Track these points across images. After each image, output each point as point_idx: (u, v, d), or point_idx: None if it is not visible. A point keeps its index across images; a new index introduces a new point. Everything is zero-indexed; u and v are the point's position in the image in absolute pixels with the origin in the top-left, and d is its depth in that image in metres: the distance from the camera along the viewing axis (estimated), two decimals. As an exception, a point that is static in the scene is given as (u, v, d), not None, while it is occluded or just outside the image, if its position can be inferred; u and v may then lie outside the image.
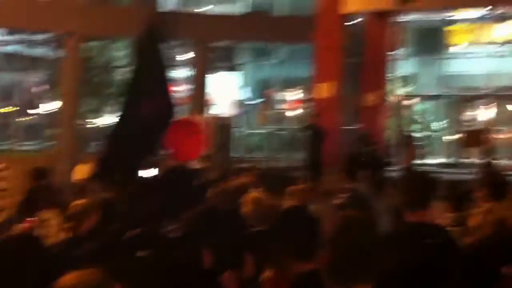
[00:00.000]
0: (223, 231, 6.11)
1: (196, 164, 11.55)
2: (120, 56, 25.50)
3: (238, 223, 6.29)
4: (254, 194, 6.66)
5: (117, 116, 11.30)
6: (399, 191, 4.51)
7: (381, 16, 20.97)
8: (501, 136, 22.06)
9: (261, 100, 27.05)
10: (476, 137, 18.96)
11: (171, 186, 8.62)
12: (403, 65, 23.32)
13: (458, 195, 7.49)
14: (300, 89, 26.43)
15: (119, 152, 9.97)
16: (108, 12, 22.90)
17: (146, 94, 10.33)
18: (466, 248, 4.89)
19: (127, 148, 9.84)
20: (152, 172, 10.31)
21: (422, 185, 4.44)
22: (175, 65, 26.17)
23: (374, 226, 3.08)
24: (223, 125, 20.43)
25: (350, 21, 21.35)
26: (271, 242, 5.02)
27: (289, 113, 26.44)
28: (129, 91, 11.01)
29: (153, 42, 10.88)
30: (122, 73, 23.26)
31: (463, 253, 4.43)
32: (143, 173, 10.09)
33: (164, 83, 10.88)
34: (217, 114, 24.65)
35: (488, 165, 15.36)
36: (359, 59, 21.74)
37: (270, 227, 6.02)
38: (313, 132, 17.14)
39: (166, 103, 10.62)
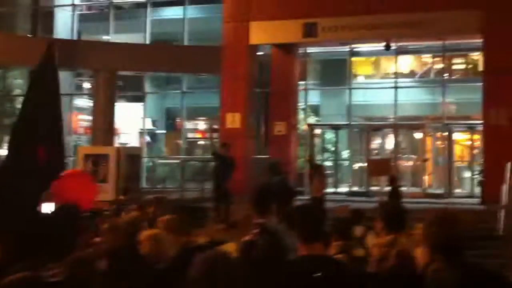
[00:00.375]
0: (118, 272, 5.77)
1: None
2: (20, 84, 24.74)
3: (134, 262, 6.00)
4: (152, 231, 6.44)
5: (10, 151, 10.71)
6: (295, 224, 4.47)
7: (287, 48, 21.36)
8: (406, 164, 22.71)
9: (170, 129, 26.84)
10: (381, 166, 19.40)
11: (58, 225, 8.12)
12: (310, 95, 23.70)
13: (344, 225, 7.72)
14: (209, 118, 26.42)
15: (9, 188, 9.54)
16: (6, 39, 22.27)
17: (39, 139, 9.99)
18: (365, 279, 4.89)
19: (17, 187, 9.42)
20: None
21: (313, 218, 4.42)
22: (80, 94, 25.69)
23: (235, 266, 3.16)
24: (132, 155, 20.04)
25: (257, 52, 21.59)
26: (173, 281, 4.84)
27: (198, 143, 26.33)
28: (22, 130, 10.49)
29: (49, 73, 10.55)
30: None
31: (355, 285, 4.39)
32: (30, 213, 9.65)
33: (57, 128, 10.57)
34: (124, 144, 24.25)
35: (389, 195, 15.69)
36: (268, 89, 22.03)
37: (171, 265, 5.81)
38: (222, 161, 17.06)
39: (57, 152, 10.30)
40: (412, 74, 24.84)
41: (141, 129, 25.45)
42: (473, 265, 4.02)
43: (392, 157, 21.64)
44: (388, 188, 16.45)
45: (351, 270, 4.54)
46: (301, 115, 23.05)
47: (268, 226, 5.87)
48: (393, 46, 20.87)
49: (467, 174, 22.80)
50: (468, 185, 22.16)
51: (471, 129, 22.02)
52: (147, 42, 24.48)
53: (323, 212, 4.66)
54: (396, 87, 22.19)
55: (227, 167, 16.71)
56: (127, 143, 24.88)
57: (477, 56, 23.62)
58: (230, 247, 6.18)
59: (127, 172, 18.94)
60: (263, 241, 5.67)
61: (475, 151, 22.33)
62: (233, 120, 20.61)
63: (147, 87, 25.16)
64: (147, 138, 25.47)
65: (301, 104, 22.93)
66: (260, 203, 6.17)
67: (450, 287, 3.90)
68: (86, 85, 25.12)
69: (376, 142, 23.91)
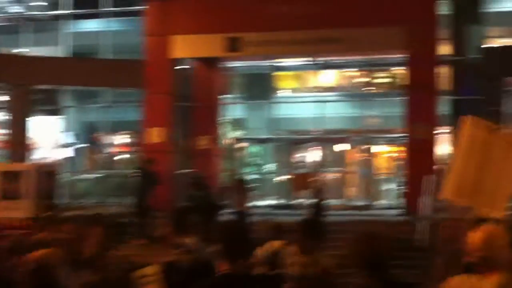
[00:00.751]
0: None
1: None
2: None
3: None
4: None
5: None
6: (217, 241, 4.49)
7: (210, 62, 21.18)
8: (329, 176, 22.88)
9: (88, 144, 26.17)
10: (303, 180, 19.45)
11: None
12: (234, 109, 23.61)
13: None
14: (129, 133, 25.92)
15: None
16: None
17: None
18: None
19: None
20: None
21: (236, 235, 4.46)
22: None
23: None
24: (47, 172, 19.37)
25: (180, 66, 21.30)
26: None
27: (118, 158, 25.75)
28: None
29: None
30: None
31: None
32: None
33: None
34: (40, 160, 23.48)
35: (314, 208, 15.77)
36: (191, 103, 21.79)
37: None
38: (145, 177, 16.77)
39: None
40: (335, 88, 25.06)
41: (60, 144, 24.74)
42: (395, 280, 4.16)
43: (316, 170, 21.73)
44: (312, 201, 16.45)
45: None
46: (225, 129, 22.88)
47: (188, 246, 5.76)
48: (317, 60, 20.99)
49: (389, 186, 23.22)
50: (390, 196, 22.56)
51: (393, 142, 22.44)
52: (67, 55, 23.78)
53: (246, 229, 4.75)
54: (320, 101, 22.30)
55: (150, 183, 16.63)
56: (45, 158, 24.09)
57: (399, 71, 24.07)
58: (150, 270, 5.97)
59: (42, 188, 18.32)
60: (184, 262, 5.58)
61: (397, 164, 22.71)
62: (156, 135, 20.26)
63: (67, 100, 24.46)
64: (67, 153, 24.74)
65: (225, 118, 22.78)
66: (180, 223, 6.08)
67: None
68: (3, 98, 24.16)
69: (300, 155, 24.04)
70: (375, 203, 21.69)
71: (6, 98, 22.89)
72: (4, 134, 23.10)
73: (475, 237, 4.24)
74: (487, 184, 5.99)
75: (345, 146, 22.99)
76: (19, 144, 21.73)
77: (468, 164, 6.08)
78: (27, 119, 22.20)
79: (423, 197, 16.19)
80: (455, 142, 6.37)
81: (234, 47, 19.62)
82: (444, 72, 20.59)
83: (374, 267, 4.27)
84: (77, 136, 25.95)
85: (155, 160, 18.83)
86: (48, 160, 23.73)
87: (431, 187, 16.33)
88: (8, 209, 16.87)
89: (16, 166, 18.97)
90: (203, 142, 21.28)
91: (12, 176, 17.91)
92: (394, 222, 16.41)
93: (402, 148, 21.62)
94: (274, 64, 22.72)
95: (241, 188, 16.28)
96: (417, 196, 16.83)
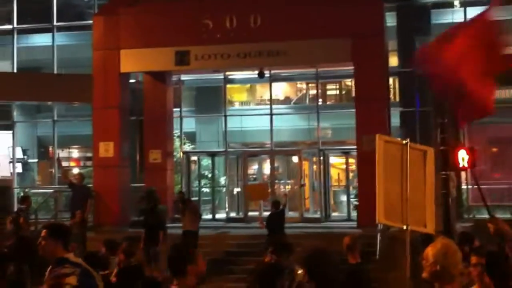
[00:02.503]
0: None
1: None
2: None
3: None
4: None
5: None
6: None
7: (160, 75, 21.08)
8: (283, 189, 22.84)
9: (42, 158, 25.91)
10: (259, 191, 19.33)
11: None
12: (186, 122, 23.49)
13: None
14: (81, 147, 25.75)
15: None
16: None
17: None
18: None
19: None
20: None
21: (178, 255, 4.73)
22: None
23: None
24: (2, 187, 19.15)
25: (129, 79, 21.16)
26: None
27: (73, 171, 25.48)
28: None
29: None
30: None
31: None
32: None
33: None
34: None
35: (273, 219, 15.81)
36: (142, 116, 21.66)
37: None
38: (77, 191, 17.02)
39: None
40: (287, 100, 25.15)
41: (11, 159, 24.37)
42: None
43: (269, 183, 21.68)
44: (269, 213, 16.40)
45: None
46: (176, 143, 22.77)
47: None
48: (267, 73, 20.97)
49: (343, 198, 23.27)
50: (344, 208, 22.60)
51: (346, 153, 22.46)
52: (15, 70, 23.45)
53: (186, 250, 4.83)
54: (271, 114, 22.23)
55: (82, 197, 16.71)
56: (-4, 173, 23.70)
57: (349, 82, 24.21)
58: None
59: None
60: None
61: (350, 175, 22.76)
62: (106, 149, 20.06)
63: (17, 115, 24.13)
64: (18, 168, 24.38)
65: (176, 132, 22.68)
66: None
67: None
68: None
69: (253, 168, 24.03)
70: (329, 215, 21.68)
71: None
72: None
73: (428, 251, 4.30)
74: (413, 201, 6.01)
75: (298, 158, 22.94)
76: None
77: (390, 183, 6.15)
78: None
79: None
80: (377, 163, 6.32)
81: (182, 60, 19.51)
82: (392, 84, 20.73)
83: (324, 283, 4.45)
84: (29, 150, 25.66)
85: (106, 174, 18.95)
86: (2, 175, 23.37)
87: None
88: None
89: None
90: (155, 156, 21.12)
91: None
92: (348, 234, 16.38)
93: (355, 160, 21.76)
94: (225, 77, 22.60)
95: (189, 209, 16.22)
96: (369, 208, 16.79)
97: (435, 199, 6.60)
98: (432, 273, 4.23)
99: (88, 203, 16.75)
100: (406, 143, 6.30)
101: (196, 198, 22.99)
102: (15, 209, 19.96)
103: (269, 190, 19.60)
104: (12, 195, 19.81)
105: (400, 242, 11.77)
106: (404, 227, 5.91)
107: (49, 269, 5.57)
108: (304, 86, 25.23)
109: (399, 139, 6.63)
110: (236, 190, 22.74)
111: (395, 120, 21.10)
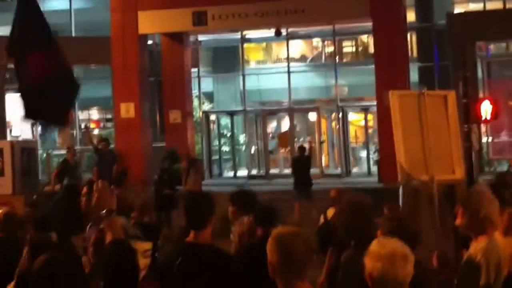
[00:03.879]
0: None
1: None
2: None
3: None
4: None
5: None
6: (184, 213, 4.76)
7: (177, 36, 21.18)
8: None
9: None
10: (286, 139, 19.61)
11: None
12: (204, 82, 23.65)
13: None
14: (101, 109, 25.99)
15: None
16: None
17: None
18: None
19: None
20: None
21: (199, 207, 4.72)
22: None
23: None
24: (28, 148, 19.44)
25: (148, 41, 21.34)
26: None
27: (93, 133, 25.82)
28: None
29: None
30: None
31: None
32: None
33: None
34: (17, 137, 23.46)
35: (299, 162, 16.57)
36: (160, 78, 21.88)
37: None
38: (102, 157, 17.26)
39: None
40: (304, 58, 25.17)
41: (33, 121, 24.68)
42: None
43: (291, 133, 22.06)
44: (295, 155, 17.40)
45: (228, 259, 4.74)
46: (195, 103, 22.96)
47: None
48: (284, 32, 21.03)
49: (363, 154, 23.49)
50: (364, 164, 22.86)
51: (364, 110, 22.60)
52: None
53: (210, 201, 4.89)
54: (289, 72, 22.37)
55: (109, 164, 16.97)
56: (19, 136, 24.07)
57: (365, 39, 24.21)
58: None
59: (24, 166, 18.43)
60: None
61: (370, 131, 22.93)
62: (127, 110, 20.34)
63: (37, 79, 24.33)
64: (38, 130, 24.73)
65: (194, 92, 22.85)
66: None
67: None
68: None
69: (271, 126, 24.19)
70: (349, 171, 21.95)
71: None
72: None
73: (471, 199, 4.35)
74: (438, 149, 5.92)
75: (316, 115, 23.11)
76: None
77: (410, 138, 6.02)
78: (1, 98, 22.19)
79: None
80: (393, 119, 6.15)
81: (200, 21, 19.66)
82: (409, 39, 20.72)
83: (359, 238, 4.46)
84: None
85: (128, 135, 19.21)
86: (23, 138, 23.71)
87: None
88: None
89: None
90: (175, 116, 21.35)
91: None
92: (370, 189, 16.49)
93: (374, 116, 21.90)
94: (242, 37, 22.68)
95: (194, 169, 16.28)
96: (391, 163, 16.96)
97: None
98: (473, 221, 4.27)
99: (114, 170, 17.07)
100: (423, 92, 6.26)
101: (217, 157, 23.43)
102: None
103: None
104: (36, 156, 20.12)
105: (423, 196, 12.03)
106: (429, 178, 5.77)
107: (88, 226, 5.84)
108: (321, 43, 25.21)
109: (415, 90, 6.52)
110: (256, 148, 23.08)
111: (414, 76, 21.10)
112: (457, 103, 6.60)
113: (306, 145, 17.85)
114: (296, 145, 19.22)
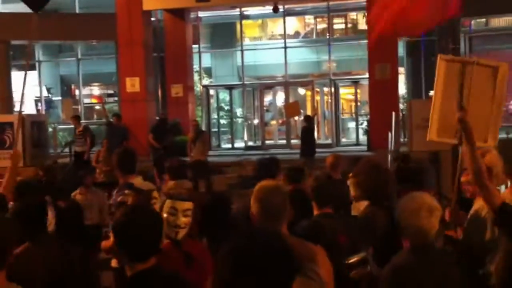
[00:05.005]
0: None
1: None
2: None
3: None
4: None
5: None
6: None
7: (180, 13, 21.95)
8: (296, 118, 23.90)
9: (65, 96, 26.93)
10: (293, 107, 20.07)
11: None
12: (204, 58, 24.41)
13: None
14: (103, 84, 26.73)
15: None
16: None
17: None
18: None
19: None
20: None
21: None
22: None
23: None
24: (38, 122, 20.13)
25: (151, 18, 22.09)
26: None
27: (96, 107, 26.59)
28: None
29: None
30: None
31: None
32: None
33: None
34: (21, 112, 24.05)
35: (304, 131, 17.37)
36: (162, 53, 22.63)
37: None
38: (112, 132, 17.53)
39: None
40: (299, 34, 26.01)
41: (36, 97, 25.42)
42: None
43: (284, 112, 22.81)
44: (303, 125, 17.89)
45: None
46: (195, 77, 23.73)
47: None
48: (281, 8, 21.79)
49: (351, 125, 24.46)
50: (353, 134, 23.84)
51: (355, 83, 23.51)
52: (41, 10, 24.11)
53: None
54: (285, 47, 23.16)
55: (120, 139, 16.94)
56: (23, 111, 24.68)
57: (354, 16, 25.20)
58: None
59: (34, 138, 19.15)
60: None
61: (359, 104, 23.94)
62: (133, 84, 21.09)
63: (41, 55, 25.08)
64: (43, 106, 25.48)
65: (195, 67, 23.59)
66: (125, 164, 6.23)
67: (382, 228, 4.50)
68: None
69: (268, 100, 25.10)
70: (340, 141, 22.91)
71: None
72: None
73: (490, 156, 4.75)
74: (473, 115, 5.53)
75: (311, 89, 24.08)
76: (5, 97, 22.36)
77: (449, 101, 5.76)
78: (7, 73, 22.74)
79: (392, 132, 17.05)
80: (436, 81, 6.54)
81: (202, -3, 20.46)
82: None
83: (377, 196, 4.76)
84: (53, 89, 26.66)
85: (133, 108, 19.94)
86: (28, 113, 24.31)
87: (397, 123, 17.62)
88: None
89: (4, 118, 19.17)
90: (176, 90, 22.15)
91: (2, 128, 18.48)
92: (362, 157, 17.45)
93: (365, 89, 22.91)
94: (241, 13, 23.38)
95: (200, 139, 16.75)
96: (379, 133, 17.96)
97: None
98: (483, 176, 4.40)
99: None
100: (473, 61, 5.82)
101: (216, 129, 24.37)
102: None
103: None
104: (46, 129, 20.83)
105: (414, 162, 12.95)
106: (458, 142, 5.36)
107: (115, 192, 6.03)
108: (315, 20, 26.00)
109: (465, 57, 6.25)
110: (253, 120, 24.06)
111: (401, 50, 21.89)
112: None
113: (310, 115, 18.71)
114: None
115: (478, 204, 4.60)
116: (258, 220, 3.58)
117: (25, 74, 7.14)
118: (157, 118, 19.67)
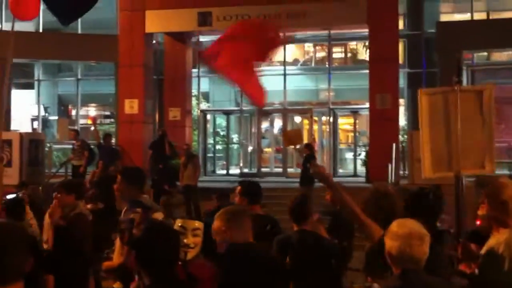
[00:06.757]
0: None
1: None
2: None
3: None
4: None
5: None
6: None
7: (180, 36, 21.98)
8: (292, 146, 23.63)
9: (62, 116, 26.77)
10: (294, 136, 19.87)
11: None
12: (202, 82, 24.34)
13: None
14: (101, 105, 26.60)
15: None
16: None
17: None
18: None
19: None
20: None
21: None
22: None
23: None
24: (35, 140, 20.02)
25: (152, 40, 22.07)
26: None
27: (91, 128, 26.36)
28: None
29: None
30: None
31: None
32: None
33: None
34: (16, 131, 23.89)
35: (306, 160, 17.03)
36: (161, 76, 22.60)
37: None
38: (104, 152, 17.61)
39: None
40: (299, 62, 25.97)
41: (33, 116, 25.24)
42: None
43: (281, 140, 22.58)
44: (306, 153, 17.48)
45: None
46: (193, 101, 23.66)
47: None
48: (281, 35, 21.72)
49: (349, 155, 24.24)
50: (350, 165, 23.55)
51: (354, 113, 23.42)
52: (40, 30, 24.15)
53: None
54: (285, 74, 23.14)
55: (110, 159, 17.21)
56: (18, 130, 24.54)
57: (358, 45, 25.20)
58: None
59: (31, 157, 19.02)
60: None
61: (357, 134, 23.78)
62: (131, 106, 21.05)
63: (40, 74, 24.98)
64: (39, 125, 25.30)
65: (193, 91, 23.54)
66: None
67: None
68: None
69: (265, 126, 24.93)
70: (337, 170, 22.67)
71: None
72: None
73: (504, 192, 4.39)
74: (466, 144, 5.61)
75: (309, 117, 23.91)
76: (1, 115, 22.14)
77: (437, 134, 5.81)
78: (6, 92, 22.58)
79: (392, 164, 17.05)
80: (420, 117, 6.04)
81: (205, 21, 20.46)
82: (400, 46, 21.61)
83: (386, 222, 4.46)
84: (50, 108, 26.50)
85: (130, 130, 19.83)
86: (29, 131, 24.12)
87: (397, 155, 17.45)
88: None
89: (2, 135, 19.28)
90: (174, 113, 22.08)
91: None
92: (362, 188, 17.24)
93: (362, 119, 22.83)
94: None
95: (192, 164, 16.91)
96: (379, 164, 17.79)
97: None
98: (498, 212, 4.35)
99: (116, 165, 16.92)
100: (457, 88, 5.80)
101: (211, 155, 24.15)
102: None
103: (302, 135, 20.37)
104: (44, 148, 20.67)
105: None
106: (455, 173, 5.36)
107: (124, 210, 5.95)
108: (315, 48, 25.99)
109: (445, 87, 6.21)
110: (249, 147, 23.84)
111: (402, 81, 21.87)
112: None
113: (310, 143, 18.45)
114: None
115: (496, 239, 4.42)
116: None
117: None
118: (159, 132, 19.56)
